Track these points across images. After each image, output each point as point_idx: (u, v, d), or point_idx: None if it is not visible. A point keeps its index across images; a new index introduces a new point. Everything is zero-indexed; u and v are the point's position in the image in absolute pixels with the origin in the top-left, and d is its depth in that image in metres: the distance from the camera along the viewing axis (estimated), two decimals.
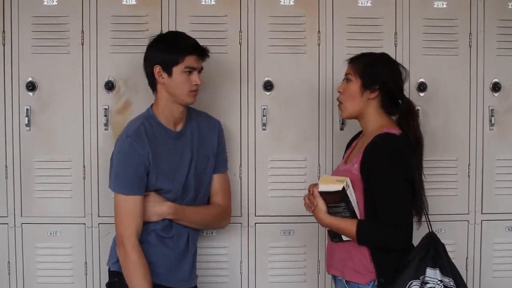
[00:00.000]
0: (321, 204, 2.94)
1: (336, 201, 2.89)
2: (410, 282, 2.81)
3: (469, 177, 3.74)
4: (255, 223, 3.65)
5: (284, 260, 3.68)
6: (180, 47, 3.03)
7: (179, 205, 3.12)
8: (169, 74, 3.03)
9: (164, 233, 3.11)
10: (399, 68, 3.05)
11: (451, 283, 2.84)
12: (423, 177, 3.04)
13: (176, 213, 3.11)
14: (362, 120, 3.06)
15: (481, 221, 3.75)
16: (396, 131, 2.95)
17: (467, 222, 3.74)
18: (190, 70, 3.03)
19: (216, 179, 3.32)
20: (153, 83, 3.11)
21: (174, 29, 3.52)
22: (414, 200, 2.95)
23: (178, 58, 3.01)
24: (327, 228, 3.04)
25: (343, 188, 2.85)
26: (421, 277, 2.82)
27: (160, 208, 3.06)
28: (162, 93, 3.10)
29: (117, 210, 3.03)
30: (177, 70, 3.02)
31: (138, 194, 3.01)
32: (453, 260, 3.50)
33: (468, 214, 3.74)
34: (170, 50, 3.03)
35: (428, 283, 2.82)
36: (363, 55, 3.09)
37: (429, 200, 3.57)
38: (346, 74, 3.06)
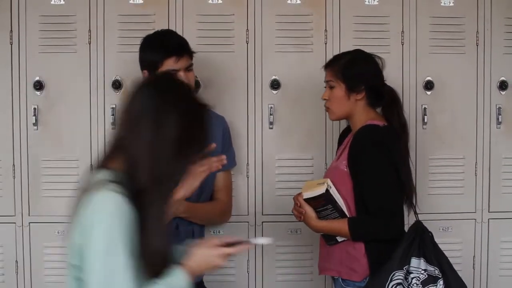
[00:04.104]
0: (309, 211, 2.95)
1: (322, 204, 2.90)
2: (393, 273, 2.80)
3: (476, 176, 3.73)
4: (262, 222, 3.65)
5: (291, 259, 3.68)
6: (157, 51, 2.97)
7: (191, 203, 3.12)
8: None
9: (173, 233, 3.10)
10: (376, 60, 3.05)
11: (436, 271, 2.82)
12: (410, 164, 3.05)
13: (189, 210, 3.11)
14: (351, 119, 3.06)
15: (488, 219, 3.74)
16: (379, 122, 2.95)
17: (474, 220, 3.74)
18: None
19: (221, 176, 3.31)
20: None
21: (181, 28, 3.54)
22: (403, 188, 2.95)
23: (157, 63, 2.96)
24: (321, 234, 3.04)
25: (327, 189, 2.86)
26: (405, 268, 2.81)
27: (174, 207, 3.05)
28: None
29: None
30: None
31: None
32: (460, 259, 3.53)
33: (475, 212, 3.74)
34: (150, 55, 3.00)
35: (412, 273, 2.81)
36: (337, 58, 3.08)
37: (436, 198, 3.62)
38: (327, 81, 3.05)
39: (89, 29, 3.57)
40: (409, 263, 2.82)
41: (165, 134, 1.98)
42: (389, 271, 2.81)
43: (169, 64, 2.95)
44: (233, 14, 3.61)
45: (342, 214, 2.91)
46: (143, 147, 1.97)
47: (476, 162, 3.73)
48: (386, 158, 2.88)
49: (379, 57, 3.05)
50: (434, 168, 3.69)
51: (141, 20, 3.56)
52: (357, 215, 2.92)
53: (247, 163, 3.64)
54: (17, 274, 3.63)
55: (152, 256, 1.97)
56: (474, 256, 3.74)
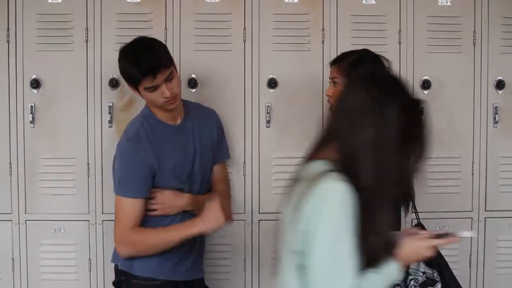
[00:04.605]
0: None
1: None
2: None
3: (473, 175, 3.74)
4: (259, 220, 3.65)
5: None
6: (134, 70, 2.91)
7: (195, 196, 3.14)
8: (139, 92, 2.98)
9: None
10: (382, 61, 3.05)
11: (435, 274, 2.85)
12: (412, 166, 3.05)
13: (194, 203, 3.13)
14: None
15: (485, 218, 3.75)
16: None
17: (470, 219, 3.74)
18: (153, 90, 2.92)
19: (218, 168, 3.34)
20: None
21: (178, 27, 3.55)
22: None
23: (136, 83, 2.93)
24: None
25: None
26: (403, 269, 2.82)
27: (180, 201, 3.07)
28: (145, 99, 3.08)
29: (118, 211, 3.00)
30: (141, 89, 2.94)
31: (141, 196, 2.99)
32: (456, 258, 3.53)
33: (471, 211, 3.74)
34: (129, 71, 2.94)
35: (411, 274, 2.83)
36: (344, 56, 3.09)
37: (433, 197, 3.62)
38: (332, 78, 3.06)
39: (86, 28, 3.56)
40: (408, 265, 2.83)
41: (388, 129, 1.98)
42: None
43: (146, 83, 2.90)
44: (231, 13, 3.60)
45: None
46: (365, 142, 1.98)
47: (473, 161, 3.74)
48: None
49: (386, 59, 3.06)
50: (431, 167, 3.69)
51: (138, 19, 3.56)
52: None
53: (244, 162, 3.64)
54: (13, 272, 3.63)
55: (373, 246, 2.01)
56: (470, 254, 3.75)
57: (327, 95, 3.10)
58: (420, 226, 2.95)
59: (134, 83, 2.95)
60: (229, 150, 3.45)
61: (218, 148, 3.30)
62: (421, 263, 2.85)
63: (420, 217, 3.03)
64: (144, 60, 2.91)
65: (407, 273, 2.83)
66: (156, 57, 2.94)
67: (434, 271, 2.85)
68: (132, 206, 2.97)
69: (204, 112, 3.30)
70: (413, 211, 3.05)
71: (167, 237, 2.97)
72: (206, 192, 3.27)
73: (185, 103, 3.20)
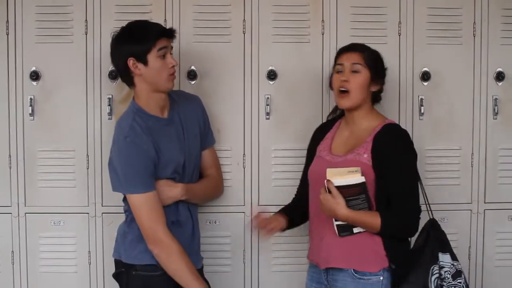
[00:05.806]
0: (341, 199, 2.89)
1: (356, 193, 2.88)
2: (432, 267, 2.92)
3: (472, 167, 3.73)
4: (258, 213, 3.65)
5: (288, 249, 3.68)
6: (149, 33, 3.03)
7: (187, 184, 3.15)
8: (145, 63, 3.01)
9: (174, 218, 3.12)
10: None
11: (459, 266, 2.97)
12: None
13: (188, 192, 3.15)
14: (357, 111, 3.08)
15: (484, 210, 3.75)
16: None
17: (470, 211, 3.74)
18: (164, 53, 3.02)
19: (207, 153, 3.37)
20: (128, 78, 3.09)
21: (177, 18, 3.54)
22: None
23: (150, 44, 3.00)
24: (337, 224, 2.96)
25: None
26: (437, 262, 2.94)
27: (174, 191, 3.10)
28: (141, 85, 3.08)
29: (141, 209, 2.98)
30: (151, 56, 3.01)
31: (154, 188, 3.01)
32: (456, 249, 3.53)
33: (471, 203, 3.74)
34: (140, 39, 3.02)
35: (444, 267, 2.93)
36: (363, 45, 3.13)
37: (432, 189, 3.62)
38: (352, 64, 3.04)
39: (86, 19, 3.55)
40: (438, 258, 2.94)
41: None
42: (426, 266, 2.93)
43: (161, 44, 3.01)
44: (230, 5, 3.59)
45: (370, 205, 2.92)
46: None
47: (472, 153, 3.73)
48: (416, 158, 3.00)
49: None
50: (431, 159, 3.69)
51: (138, 11, 3.54)
52: (378, 209, 2.94)
53: (244, 154, 3.64)
54: (13, 265, 3.63)
55: None
56: (469, 246, 3.75)
57: (344, 81, 3.04)
58: (435, 222, 3.03)
59: (145, 48, 3.00)
60: (213, 134, 3.46)
61: (204, 134, 3.31)
62: (448, 256, 2.96)
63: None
64: (157, 25, 3.13)
65: (440, 266, 2.93)
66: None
67: (459, 263, 2.98)
68: (151, 199, 2.98)
69: (188, 100, 3.30)
70: (427, 207, 3.14)
71: (185, 276, 3.01)
72: (198, 178, 3.29)
73: (168, 94, 3.19)
